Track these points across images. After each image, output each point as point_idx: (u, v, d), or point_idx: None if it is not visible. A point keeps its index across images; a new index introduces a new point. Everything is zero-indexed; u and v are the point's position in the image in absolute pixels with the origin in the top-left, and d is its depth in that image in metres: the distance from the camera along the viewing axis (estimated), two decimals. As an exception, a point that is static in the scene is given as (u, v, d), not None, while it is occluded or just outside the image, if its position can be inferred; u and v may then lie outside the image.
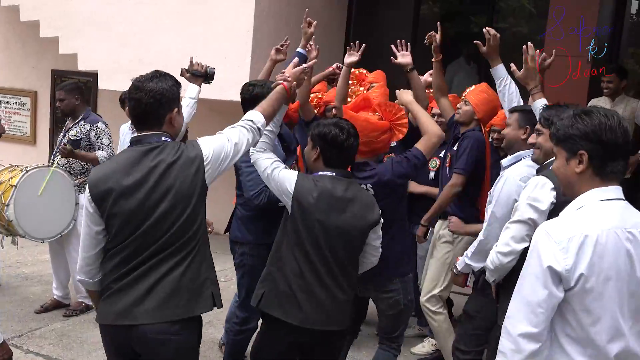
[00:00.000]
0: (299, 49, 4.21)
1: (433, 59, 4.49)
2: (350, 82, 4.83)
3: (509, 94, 3.74)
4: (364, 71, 5.32)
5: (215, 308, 2.74)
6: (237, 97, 3.87)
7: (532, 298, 1.97)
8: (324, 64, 7.40)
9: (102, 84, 7.59)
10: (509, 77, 3.78)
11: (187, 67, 3.94)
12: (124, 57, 7.28)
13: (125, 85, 6.83)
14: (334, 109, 4.61)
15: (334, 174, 3.04)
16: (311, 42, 4.28)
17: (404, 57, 4.12)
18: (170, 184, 2.57)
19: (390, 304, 3.53)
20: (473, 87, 4.54)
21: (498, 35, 3.76)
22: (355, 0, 8.40)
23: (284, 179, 3.04)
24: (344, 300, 3.03)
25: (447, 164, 4.54)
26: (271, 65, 4.49)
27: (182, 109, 2.81)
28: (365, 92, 4.94)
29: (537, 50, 3.62)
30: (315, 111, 4.49)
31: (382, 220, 3.08)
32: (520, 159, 3.53)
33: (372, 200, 3.09)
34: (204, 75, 3.91)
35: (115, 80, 7.32)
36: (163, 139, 2.65)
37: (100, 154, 5.26)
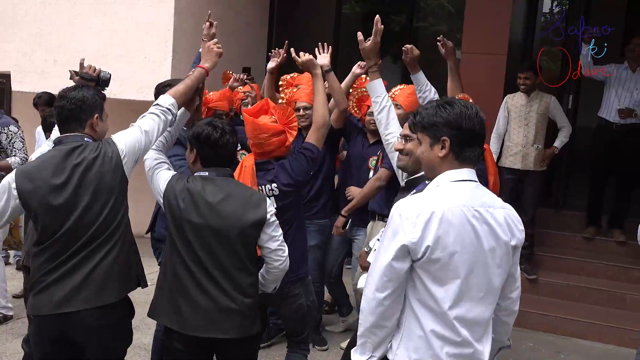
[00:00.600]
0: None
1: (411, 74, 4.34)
2: (285, 89, 4.90)
3: (431, 98, 3.78)
4: (296, 75, 5.29)
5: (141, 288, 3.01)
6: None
7: (382, 268, 2.18)
8: (247, 61, 7.39)
9: (15, 86, 7.28)
10: (428, 82, 3.86)
11: (77, 70, 3.64)
12: (37, 57, 7.00)
13: (39, 87, 6.68)
14: (223, 116, 4.45)
15: (207, 173, 2.98)
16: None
17: (322, 59, 4.13)
18: (91, 179, 2.80)
19: (294, 308, 3.50)
20: (399, 88, 4.57)
21: (417, 51, 3.93)
22: (277, -1, 8.39)
23: (159, 179, 3.03)
24: (230, 308, 2.87)
25: (379, 164, 4.59)
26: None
27: (105, 117, 3.02)
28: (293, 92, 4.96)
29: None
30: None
31: (271, 219, 2.97)
32: None
33: (257, 199, 2.97)
34: (95, 80, 3.52)
35: (29, 81, 7.04)
36: (85, 139, 2.88)
37: (13, 160, 5.06)
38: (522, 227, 2.28)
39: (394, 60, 8.24)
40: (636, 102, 6.05)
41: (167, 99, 3.05)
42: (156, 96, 3.67)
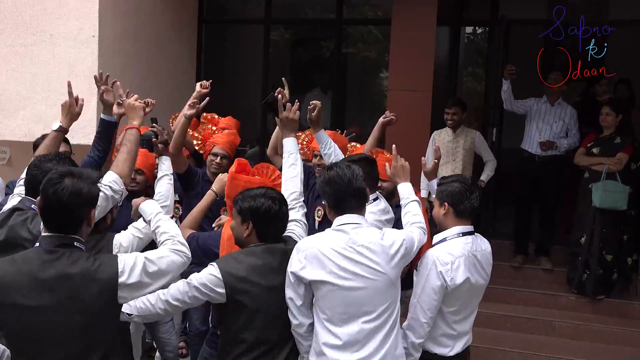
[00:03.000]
0: (103, 116, 3.84)
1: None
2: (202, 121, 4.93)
3: (335, 155, 3.84)
4: (216, 116, 5.27)
5: None
6: (83, 141, 3.71)
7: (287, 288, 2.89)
8: (176, 98, 7.28)
9: None
10: (331, 142, 3.86)
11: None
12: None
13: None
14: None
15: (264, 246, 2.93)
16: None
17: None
18: None
19: None
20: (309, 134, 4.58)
21: (318, 107, 3.80)
22: (204, 31, 8.30)
23: (205, 279, 2.83)
24: None
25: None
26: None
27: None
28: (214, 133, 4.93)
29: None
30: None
31: None
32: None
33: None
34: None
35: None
36: None
37: None
38: (400, 253, 2.87)
39: (324, 91, 8.22)
40: (556, 134, 6.29)
41: (108, 176, 2.98)
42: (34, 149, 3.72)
